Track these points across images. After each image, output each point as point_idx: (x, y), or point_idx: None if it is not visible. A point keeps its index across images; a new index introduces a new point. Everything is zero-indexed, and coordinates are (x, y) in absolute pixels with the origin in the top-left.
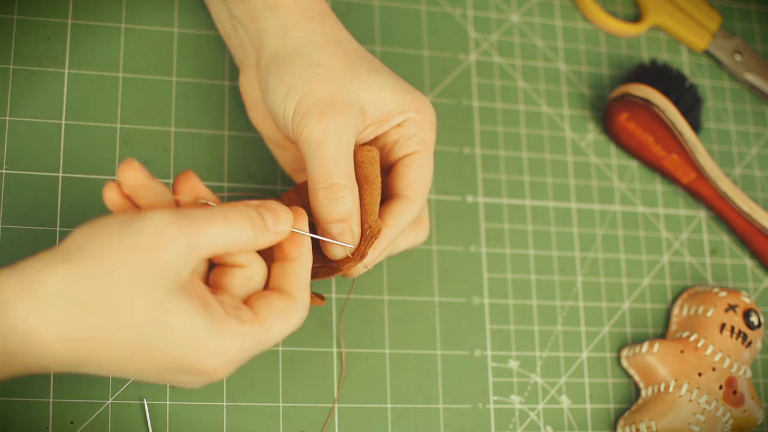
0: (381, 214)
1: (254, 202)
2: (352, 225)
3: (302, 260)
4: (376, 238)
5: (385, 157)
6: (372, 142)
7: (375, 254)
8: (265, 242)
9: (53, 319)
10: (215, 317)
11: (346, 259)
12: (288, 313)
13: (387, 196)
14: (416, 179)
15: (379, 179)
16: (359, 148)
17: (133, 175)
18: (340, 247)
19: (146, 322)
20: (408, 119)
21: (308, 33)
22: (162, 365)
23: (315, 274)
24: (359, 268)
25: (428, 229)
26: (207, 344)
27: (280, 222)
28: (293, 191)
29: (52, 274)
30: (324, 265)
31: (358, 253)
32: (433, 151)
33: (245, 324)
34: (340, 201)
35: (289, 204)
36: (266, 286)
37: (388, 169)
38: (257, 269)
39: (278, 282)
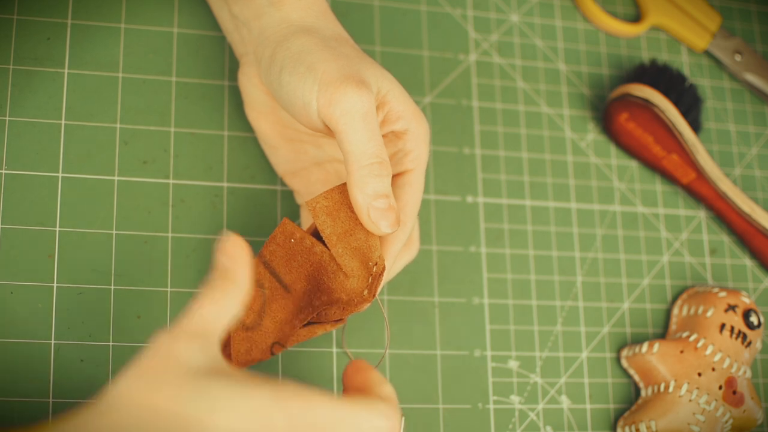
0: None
1: None
2: (392, 203)
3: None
4: (383, 274)
5: None
6: None
7: (379, 289)
8: None
9: None
10: None
11: (360, 299)
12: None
13: None
14: (408, 201)
15: None
16: None
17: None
18: (384, 224)
19: None
20: (409, 131)
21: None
22: None
23: (324, 317)
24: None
25: (418, 245)
26: None
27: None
28: (272, 244)
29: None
30: (332, 309)
31: (371, 292)
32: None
33: None
34: (385, 178)
35: (271, 258)
36: None
37: None
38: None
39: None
